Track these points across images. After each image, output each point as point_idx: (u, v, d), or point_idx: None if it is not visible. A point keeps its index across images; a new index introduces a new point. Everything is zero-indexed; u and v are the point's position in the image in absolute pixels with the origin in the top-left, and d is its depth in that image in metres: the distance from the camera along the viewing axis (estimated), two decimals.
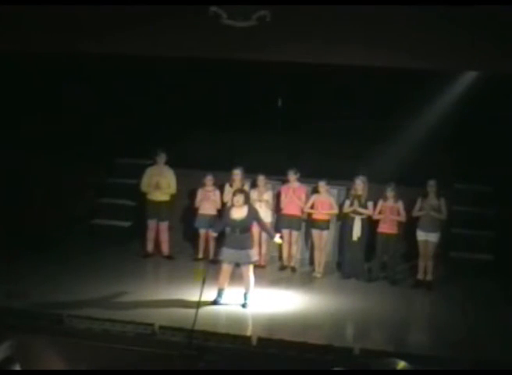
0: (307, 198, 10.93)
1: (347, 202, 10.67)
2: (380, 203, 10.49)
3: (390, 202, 10.44)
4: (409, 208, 10.51)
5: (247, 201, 9.22)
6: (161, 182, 11.15)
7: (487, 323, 8.95)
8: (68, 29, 8.63)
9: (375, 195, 10.64)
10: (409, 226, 10.59)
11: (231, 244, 9.04)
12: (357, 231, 10.51)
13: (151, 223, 11.25)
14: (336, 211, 10.82)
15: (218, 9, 8.03)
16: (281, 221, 11.10)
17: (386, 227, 10.47)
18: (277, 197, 11.20)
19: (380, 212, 10.49)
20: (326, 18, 8.05)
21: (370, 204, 10.54)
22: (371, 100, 11.15)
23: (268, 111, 11.64)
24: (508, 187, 10.91)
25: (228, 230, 9.22)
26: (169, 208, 11.34)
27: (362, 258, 10.67)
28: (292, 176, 10.95)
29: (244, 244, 9.03)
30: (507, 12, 7.63)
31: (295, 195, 10.92)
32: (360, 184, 10.51)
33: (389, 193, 10.41)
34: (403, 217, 10.47)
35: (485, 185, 11.49)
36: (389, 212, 10.44)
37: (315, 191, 10.93)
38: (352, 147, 11.30)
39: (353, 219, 10.54)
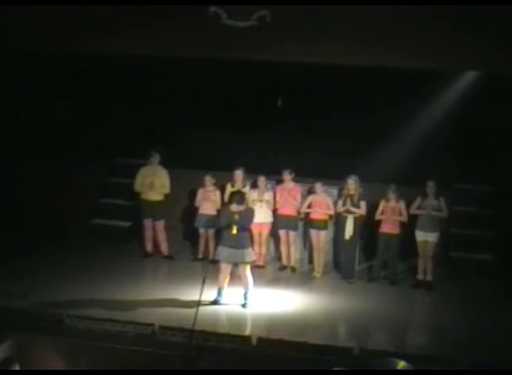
0: (303, 198, 10.90)
1: (340, 202, 10.67)
2: (382, 204, 10.49)
3: (392, 203, 10.43)
4: (409, 208, 10.51)
5: (246, 202, 9.23)
6: (155, 182, 11.15)
7: (487, 323, 8.94)
8: (68, 29, 8.65)
9: (376, 196, 10.62)
10: (409, 226, 10.58)
11: (227, 243, 9.00)
12: (349, 230, 10.49)
13: (147, 223, 11.24)
14: (332, 212, 10.80)
15: (218, 9, 8.05)
16: (277, 221, 11.08)
17: (388, 228, 10.46)
18: (273, 197, 11.17)
19: (382, 213, 10.49)
20: (326, 18, 8.06)
21: (363, 203, 10.52)
22: (371, 100, 11.15)
23: (267, 111, 11.63)
24: (508, 187, 10.92)
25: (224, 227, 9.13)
26: (163, 208, 11.30)
27: (354, 258, 10.66)
28: (287, 176, 10.91)
29: (241, 243, 8.97)
30: (507, 12, 7.64)
31: (290, 195, 10.89)
32: (352, 184, 10.50)
33: (391, 195, 10.40)
34: (405, 217, 10.46)
35: (485, 185, 11.49)
36: (390, 213, 10.43)
37: (312, 192, 10.91)
38: (352, 147, 11.30)
39: (345, 218, 10.54)
